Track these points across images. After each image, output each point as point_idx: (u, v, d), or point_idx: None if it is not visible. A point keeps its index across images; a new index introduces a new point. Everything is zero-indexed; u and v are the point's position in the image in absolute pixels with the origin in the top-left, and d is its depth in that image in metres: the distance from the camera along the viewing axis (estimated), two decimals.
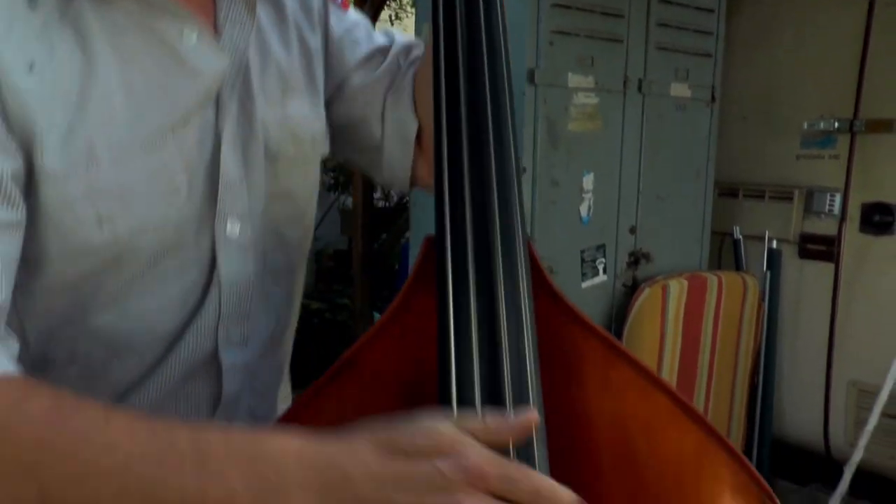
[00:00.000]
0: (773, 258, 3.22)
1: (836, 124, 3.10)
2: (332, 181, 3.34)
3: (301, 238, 0.89)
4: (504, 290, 0.66)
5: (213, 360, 0.80)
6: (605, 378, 0.71)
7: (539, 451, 0.62)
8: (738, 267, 3.25)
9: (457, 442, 0.56)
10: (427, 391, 0.65)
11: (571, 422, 0.69)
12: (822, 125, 3.15)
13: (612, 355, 0.70)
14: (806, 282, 3.24)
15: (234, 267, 0.78)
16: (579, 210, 2.67)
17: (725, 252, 3.39)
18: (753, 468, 0.68)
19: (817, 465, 3.20)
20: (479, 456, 0.55)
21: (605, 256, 2.75)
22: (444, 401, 0.62)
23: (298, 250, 0.90)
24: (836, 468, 2.89)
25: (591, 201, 2.71)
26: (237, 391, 0.81)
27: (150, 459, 0.56)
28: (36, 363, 0.72)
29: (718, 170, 3.23)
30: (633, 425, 0.70)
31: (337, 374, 0.70)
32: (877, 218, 3.04)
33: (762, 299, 3.15)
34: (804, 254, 3.24)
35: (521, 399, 0.64)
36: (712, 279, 2.91)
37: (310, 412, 0.70)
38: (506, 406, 0.62)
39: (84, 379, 0.74)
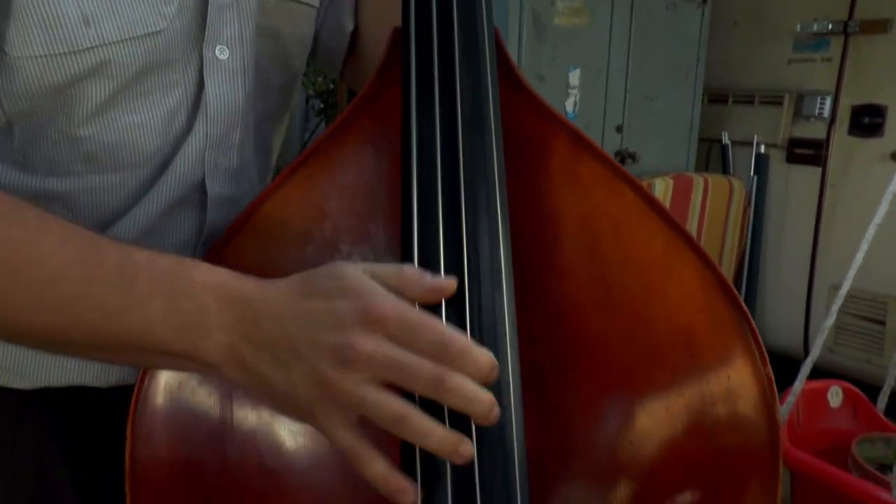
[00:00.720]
0: (761, 163, 3.19)
1: (830, 26, 3.04)
2: (322, 105, 3.29)
3: (285, 85, 0.88)
4: (468, 77, 0.63)
5: (201, 189, 0.78)
6: (573, 173, 0.68)
7: (505, 261, 0.60)
8: (725, 171, 3.23)
9: (363, 285, 0.53)
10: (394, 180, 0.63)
11: (537, 219, 0.67)
12: (815, 27, 3.09)
13: (581, 150, 0.68)
14: (792, 186, 3.22)
15: (222, 91, 0.76)
16: (565, 106, 2.62)
17: (713, 158, 3.37)
18: (720, 269, 0.66)
19: (796, 370, 3.23)
20: (381, 299, 0.52)
21: None
22: (406, 183, 0.60)
23: (282, 97, 0.88)
24: (816, 373, 2.92)
25: (578, 98, 2.67)
26: (222, 222, 0.80)
27: (77, 276, 0.55)
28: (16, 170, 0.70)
29: (709, 76, 3.18)
30: (600, 222, 0.67)
31: (305, 161, 0.68)
32: (866, 120, 3.01)
33: (748, 203, 3.14)
34: (792, 158, 3.21)
35: (484, 189, 0.61)
36: (698, 180, 2.88)
37: (277, 200, 0.68)
38: (461, 201, 0.60)
39: (64, 198, 0.72)
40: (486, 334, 0.57)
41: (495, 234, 0.61)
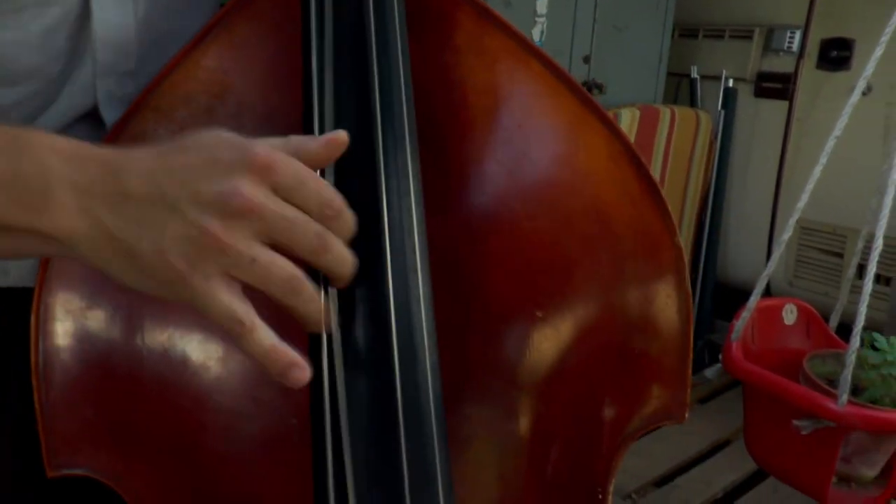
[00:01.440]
0: (729, 97, 3.17)
1: None
2: None
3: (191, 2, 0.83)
4: None
5: (95, 116, 0.74)
6: (479, 46, 0.65)
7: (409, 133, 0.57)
8: (693, 105, 3.20)
9: (244, 139, 0.49)
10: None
11: (445, 90, 0.65)
12: None
13: (486, 22, 0.65)
14: (760, 120, 3.20)
15: (109, 16, 0.71)
16: (531, 34, 2.57)
17: (682, 93, 3.34)
18: (626, 136, 0.65)
19: None
20: (268, 149, 0.48)
21: None
22: (306, 57, 0.58)
23: (190, 15, 0.83)
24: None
25: (545, 26, 2.62)
26: None
27: None
28: None
29: (680, 10, 3.13)
30: (506, 94, 0.65)
31: (206, 35, 0.65)
32: (834, 53, 2.99)
33: (715, 137, 3.12)
34: (760, 92, 3.19)
35: (386, 60, 0.59)
36: (665, 111, 2.86)
37: (178, 76, 0.65)
38: (368, 75, 0.57)
39: None
40: (392, 201, 0.56)
41: (399, 101, 0.59)
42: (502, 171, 0.65)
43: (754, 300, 1.59)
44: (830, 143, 1.51)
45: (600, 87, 2.83)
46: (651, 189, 0.66)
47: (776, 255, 1.59)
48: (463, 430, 0.66)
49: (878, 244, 1.37)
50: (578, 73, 2.76)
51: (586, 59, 2.79)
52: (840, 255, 3.02)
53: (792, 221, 1.57)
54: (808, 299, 3.01)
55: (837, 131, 1.51)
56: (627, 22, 2.89)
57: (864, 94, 2.89)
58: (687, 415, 0.69)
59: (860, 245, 1.70)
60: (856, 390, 1.53)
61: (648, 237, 0.67)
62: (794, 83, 3.08)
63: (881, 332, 1.51)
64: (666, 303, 0.67)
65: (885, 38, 1.40)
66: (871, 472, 1.55)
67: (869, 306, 1.41)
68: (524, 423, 0.68)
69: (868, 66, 1.46)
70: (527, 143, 0.65)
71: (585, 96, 0.65)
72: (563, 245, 0.65)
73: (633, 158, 0.65)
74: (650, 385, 0.68)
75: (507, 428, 0.68)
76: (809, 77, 3.06)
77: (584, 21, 2.74)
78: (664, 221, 0.67)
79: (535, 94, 0.65)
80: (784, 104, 3.12)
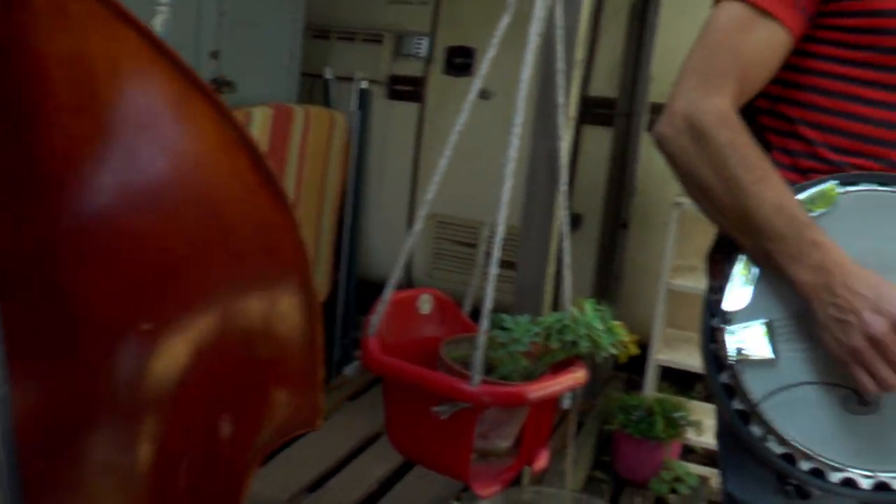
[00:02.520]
0: (363, 98, 3.25)
1: None
2: None
3: None
4: None
5: None
6: (60, 7, 0.54)
7: None
8: (328, 106, 3.23)
9: None
10: None
11: (24, 60, 0.52)
12: None
13: None
14: (393, 121, 3.34)
15: None
16: (152, 24, 2.39)
17: (317, 94, 3.35)
18: (240, 124, 0.58)
19: None
20: None
21: None
22: None
23: None
24: None
25: (167, 16, 2.45)
26: None
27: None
28: None
29: (313, 13, 3.14)
30: (98, 69, 0.55)
31: None
32: (458, 60, 3.22)
33: (350, 137, 3.18)
34: (393, 94, 3.33)
35: None
36: (299, 111, 2.84)
37: None
38: None
39: None
40: None
41: None
42: (96, 161, 0.55)
43: (388, 294, 1.61)
44: (452, 140, 1.59)
45: (231, 85, 2.73)
46: (269, 181, 0.60)
47: (406, 247, 1.63)
48: (76, 469, 0.54)
49: (500, 232, 1.46)
50: (207, 70, 2.62)
51: (214, 55, 2.66)
52: (473, 246, 3.26)
53: (421, 214, 1.63)
54: (447, 288, 3.21)
55: (458, 128, 1.58)
56: (257, 18, 2.82)
57: (486, 98, 3.16)
58: (321, 421, 0.64)
59: (486, 234, 1.81)
60: (490, 370, 1.62)
61: (268, 233, 0.61)
62: (424, 87, 3.27)
63: (509, 313, 1.62)
64: (290, 305, 0.62)
65: (495, 41, 1.50)
66: (506, 444, 1.65)
67: (498, 290, 1.50)
68: (145, 452, 0.58)
69: (481, 70, 1.55)
70: (125, 128, 0.55)
71: (193, 77, 0.57)
72: (170, 244, 0.56)
73: (247, 148, 0.58)
74: (278, 394, 0.62)
75: (127, 459, 0.57)
76: (437, 81, 3.27)
77: (209, 14, 2.61)
78: (285, 217, 0.61)
79: (134, 72, 0.55)
80: (416, 106, 3.29)
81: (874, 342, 0.87)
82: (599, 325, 1.55)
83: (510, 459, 1.63)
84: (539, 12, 1.39)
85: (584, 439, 2.40)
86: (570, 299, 1.65)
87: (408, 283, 3.41)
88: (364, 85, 3.23)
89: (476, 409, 1.44)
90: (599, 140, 2.94)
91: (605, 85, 2.96)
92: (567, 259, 1.61)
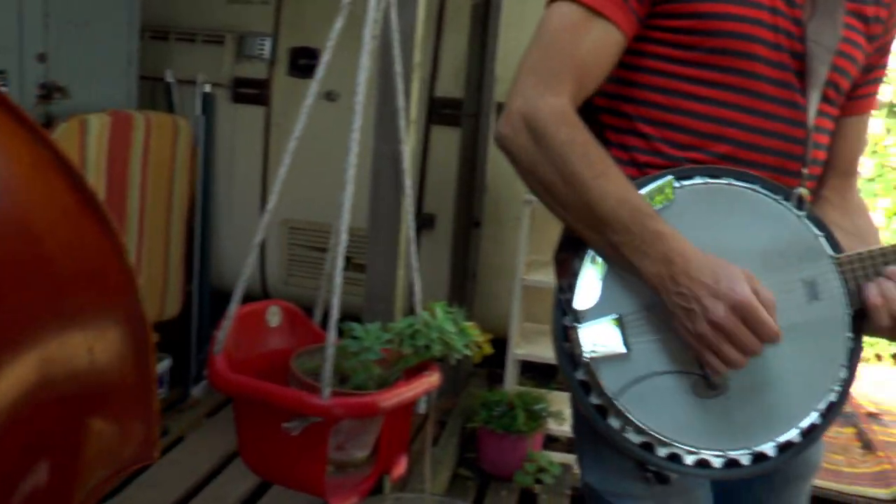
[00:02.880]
0: (207, 102, 3.13)
1: None
2: None
3: None
4: None
5: None
6: None
7: None
8: (171, 110, 3.09)
9: None
10: None
11: None
12: None
13: None
14: (240, 125, 3.23)
15: None
16: None
17: (159, 99, 3.20)
18: (53, 142, 0.52)
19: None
20: None
21: (7, 84, 2.34)
22: None
23: None
24: None
25: None
26: None
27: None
28: None
29: (150, 13, 2.99)
30: None
31: None
32: (303, 61, 3.15)
33: (196, 144, 3.06)
34: (237, 98, 3.22)
35: None
36: (139, 118, 2.70)
37: None
38: None
39: None
40: None
41: None
42: None
43: (233, 309, 1.55)
44: (291, 146, 1.54)
45: (63, 91, 2.56)
46: (89, 203, 0.55)
47: (249, 261, 1.58)
48: None
49: (343, 240, 1.43)
50: (34, 74, 2.45)
51: (42, 58, 2.49)
52: (324, 250, 3.20)
53: (263, 223, 1.57)
54: (304, 295, 3.15)
55: (297, 133, 1.54)
56: (87, 18, 2.65)
57: (333, 100, 3.12)
58: (157, 453, 0.59)
59: (335, 239, 1.77)
60: (343, 380, 1.59)
61: (91, 258, 0.55)
62: (269, 89, 3.18)
63: (362, 319, 1.59)
64: (117, 335, 0.57)
65: (330, 43, 1.47)
66: (363, 454, 1.62)
67: (351, 294, 1.48)
68: None
69: (318, 73, 1.52)
70: None
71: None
72: None
73: (63, 167, 0.53)
74: (106, 430, 0.57)
75: None
76: (283, 83, 3.18)
77: (33, 14, 2.43)
78: (110, 240, 0.55)
79: None
80: (262, 109, 3.20)
81: (717, 326, 0.90)
82: (451, 328, 1.54)
83: (369, 469, 1.60)
84: (372, 14, 1.37)
85: (448, 438, 2.41)
86: (420, 303, 1.64)
87: (263, 292, 3.32)
88: (207, 88, 3.11)
89: (328, 422, 1.41)
90: (448, 140, 2.96)
91: (451, 86, 2.97)
92: (415, 263, 1.60)
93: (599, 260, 0.98)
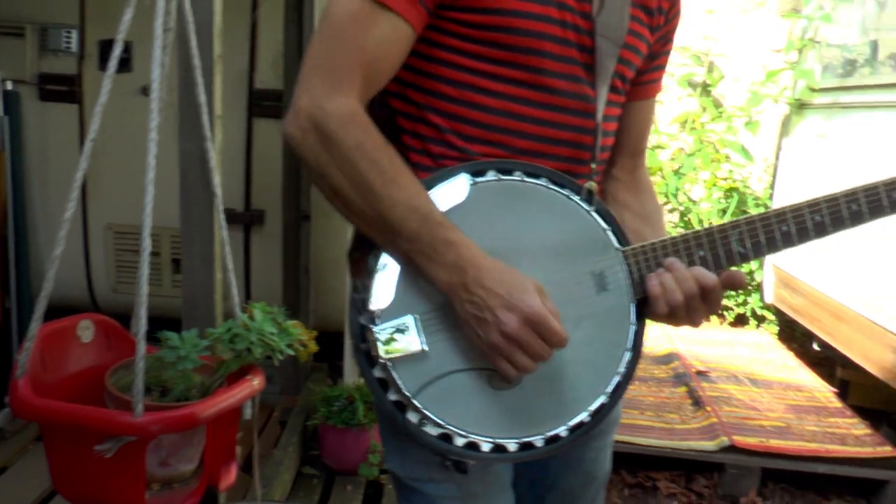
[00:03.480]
0: (11, 101, 2.89)
1: None
2: None
3: None
4: None
5: None
6: None
7: None
8: None
9: None
10: None
11: None
12: None
13: None
14: (51, 125, 3.02)
15: None
16: None
17: None
18: None
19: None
20: None
21: None
22: None
23: None
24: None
25: None
26: None
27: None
28: None
29: None
30: None
31: None
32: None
33: (2, 147, 2.83)
34: (45, 95, 3.00)
35: None
36: None
37: None
38: None
39: None
40: None
41: None
42: None
43: (35, 327, 1.45)
44: (88, 147, 1.45)
45: None
46: None
47: (49, 275, 1.48)
48: None
49: (147, 247, 1.36)
50: None
51: None
52: (157, 254, 3.05)
53: (60, 235, 1.47)
54: (133, 301, 3.00)
55: (92, 134, 1.45)
56: None
57: (146, 94, 2.95)
58: None
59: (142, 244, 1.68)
60: (166, 392, 1.52)
61: None
62: (80, 86, 2.99)
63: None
64: None
65: (119, 36, 1.38)
66: (191, 467, 1.56)
67: (174, 297, 1.40)
68: None
69: (110, 66, 1.43)
70: None
71: None
72: None
73: None
74: None
75: None
76: (95, 79, 2.99)
77: None
78: None
79: None
80: (74, 107, 3.00)
81: (509, 337, 0.92)
82: (272, 329, 1.50)
83: (195, 481, 1.54)
84: (162, 4, 1.29)
85: (289, 438, 2.36)
86: (239, 305, 1.59)
87: (92, 303, 3.13)
88: (9, 86, 2.88)
89: (143, 439, 1.34)
90: (272, 133, 2.87)
91: (270, 77, 2.89)
92: (230, 264, 1.55)
93: (393, 260, 0.97)
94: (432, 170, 1.01)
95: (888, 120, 3.20)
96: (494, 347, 0.93)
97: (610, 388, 1.01)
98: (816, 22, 4.02)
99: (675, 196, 4.46)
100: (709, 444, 2.77)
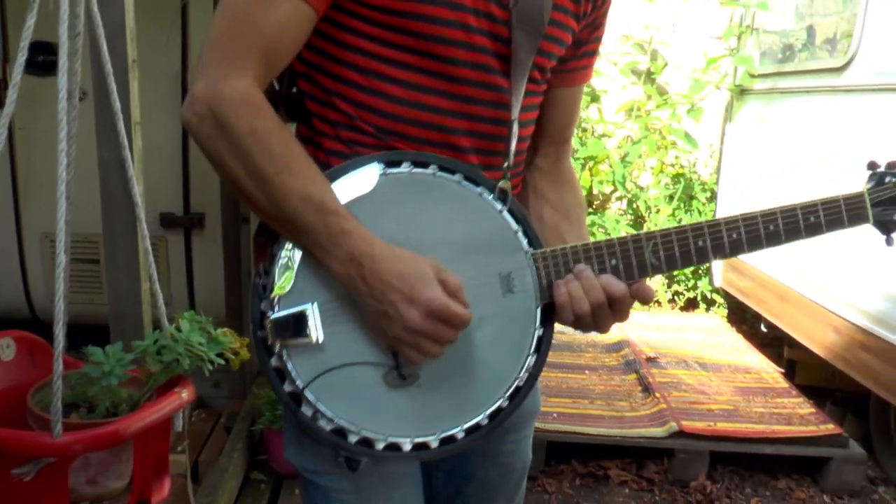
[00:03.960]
0: None
1: None
2: None
3: None
4: None
5: None
6: None
7: None
8: None
9: None
10: None
11: None
12: None
13: None
14: None
15: None
16: None
17: None
18: None
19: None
20: None
21: None
22: None
23: None
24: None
25: None
26: None
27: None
28: None
29: None
30: None
31: None
32: (42, 58, 2.88)
33: None
34: None
35: None
36: None
37: None
38: None
39: None
40: None
41: None
42: None
43: None
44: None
45: None
46: None
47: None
48: None
49: (62, 263, 1.32)
50: None
51: None
52: (96, 262, 2.98)
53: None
54: (76, 311, 2.91)
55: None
56: None
57: (82, 100, 2.88)
58: None
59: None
60: (93, 408, 1.48)
61: None
62: (4, 90, 2.90)
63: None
64: None
65: (23, 43, 1.33)
66: (120, 484, 1.52)
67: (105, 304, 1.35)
68: None
69: (14, 74, 1.38)
70: None
71: None
72: None
73: None
74: None
75: None
76: (23, 83, 2.90)
77: None
78: None
79: None
80: None
81: (414, 332, 0.90)
82: (200, 339, 1.47)
83: (127, 497, 1.51)
84: (66, 8, 1.24)
85: (234, 444, 2.32)
86: (165, 314, 1.55)
87: (31, 314, 3.05)
88: None
89: (65, 460, 1.30)
90: None
91: None
92: (154, 273, 1.51)
93: (295, 247, 0.95)
94: (347, 157, 0.98)
95: (825, 104, 3.24)
96: (400, 341, 0.91)
97: (509, 392, 0.99)
98: (753, 9, 4.06)
99: (623, 184, 4.48)
100: (658, 431, 2.79)
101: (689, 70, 4.44)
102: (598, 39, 1.18)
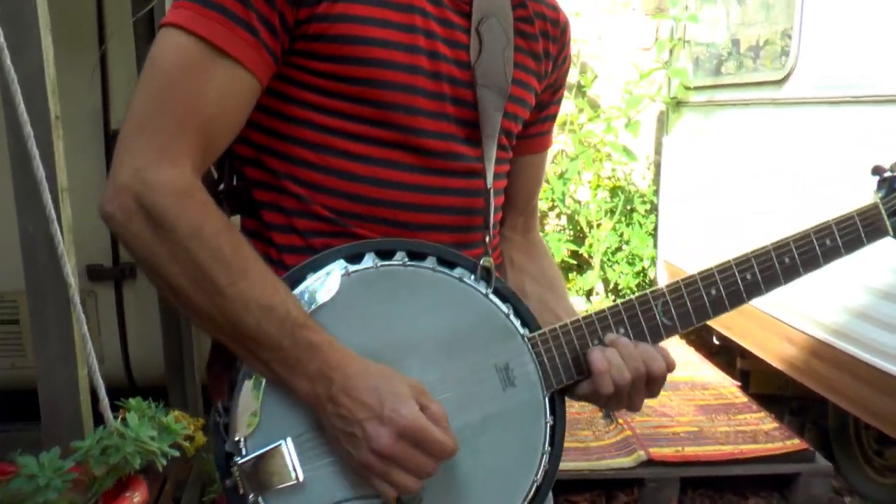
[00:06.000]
0: None
1: None
2: None
3: None
4: None
5: None
6: None
7: None
8: None
9: None
10: None
11: None
12: None
13: None
14: None
15: None
16: None
17: None
18: None
19: None
20: None
21: None
22: None
23: None
24: None
25: None
26: None
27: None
28: None
29: None
30: None
31: None
32: None
33: None
34: None
35: None
36: None
37: None
38: None
39: None
40: None
41: None
42: None
43: None
44: None
45: None
46: None
47: None
48: None
49: None
50: None
51: None
52: (16, 322, 2.74)
53: None
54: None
55: None
56: None
57: None
58: None
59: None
60: None
61: None
62: None
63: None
64: None
65: None
66: None
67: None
68: None
69: None
70: None
71: None
72: None
73: None
74: None
75: None
76: None
77: None
78: None
79: None
80: None
81: (382, 456, 0.77)
82: (151, 433, 1.30)
83: None
84: None
85: None
86: (108, 408, 1.36)
87: None
88: None
89: None
90: None
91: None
92: (95, 362, 1.32)
93: (257, 374, 0.81)
94: (303, 251, 0.85)
95: (766, 116, 3.24)
96: (367, 467, 0.77)
97: (528, 499, 0.88)
98: (684, 21, 4.06)
99: (563, 200, 4.42)
100: (626, 461, 2.71)
101: (621, 82, 4.42)
102: (559, 102, 1.10)
